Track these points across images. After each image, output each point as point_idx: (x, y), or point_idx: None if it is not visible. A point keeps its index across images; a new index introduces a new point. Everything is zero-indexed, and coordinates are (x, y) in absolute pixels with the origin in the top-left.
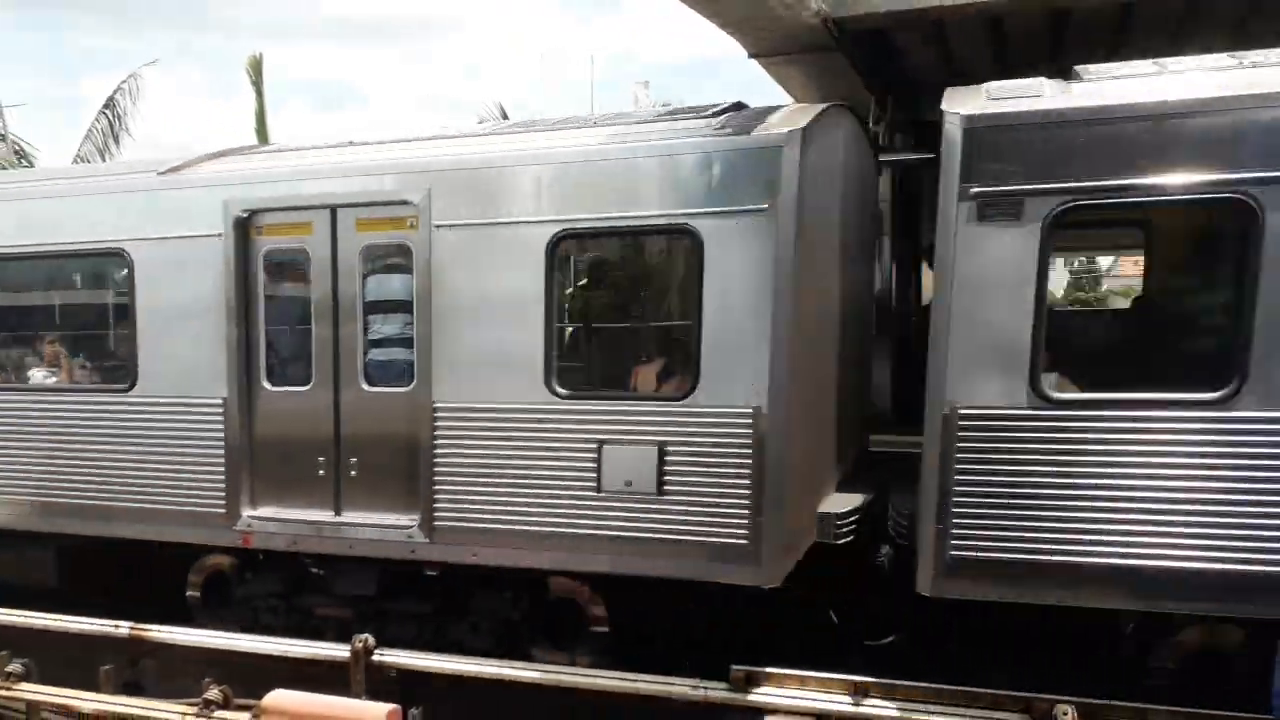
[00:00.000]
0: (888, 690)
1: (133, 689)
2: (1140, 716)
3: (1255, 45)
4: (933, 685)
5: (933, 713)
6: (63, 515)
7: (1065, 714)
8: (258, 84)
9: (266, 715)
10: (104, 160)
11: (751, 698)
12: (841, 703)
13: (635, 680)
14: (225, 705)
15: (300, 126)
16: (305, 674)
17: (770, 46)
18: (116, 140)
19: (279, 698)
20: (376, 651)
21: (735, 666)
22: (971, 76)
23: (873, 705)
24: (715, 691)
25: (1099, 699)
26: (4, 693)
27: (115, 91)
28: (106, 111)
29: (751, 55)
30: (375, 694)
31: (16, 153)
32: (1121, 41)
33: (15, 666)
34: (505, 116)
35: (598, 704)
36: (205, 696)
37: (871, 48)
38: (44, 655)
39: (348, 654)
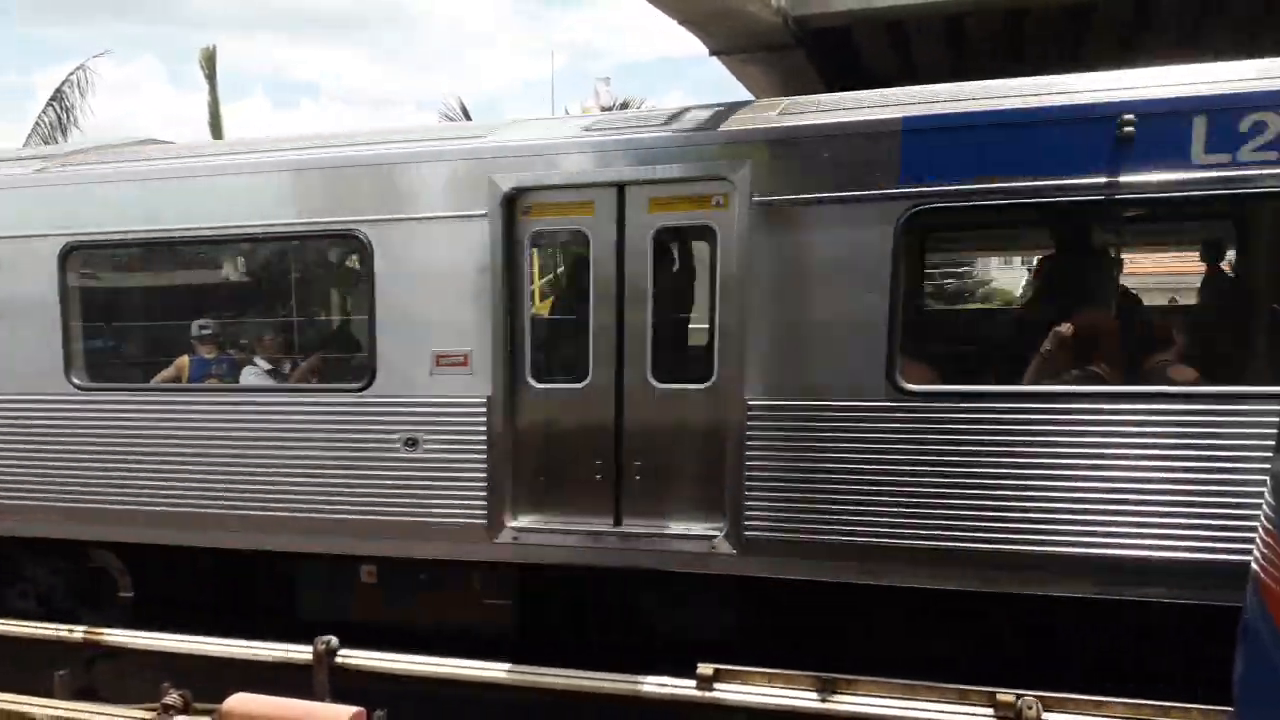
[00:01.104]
0: (855, 685)
1: (88, 695)
2: (1098, 708)
3: (1209, 50)
4: (899, 680)
5: (900, 707)
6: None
7: (1030, 707)
8: (211, 76)
9: (228, 719)
10: None
11: (718, 695)
12: (809, 699)
13: (602, 679)
14: (185, 710)
15: (260, 121)
16: (264, 676)
17: (730, 44)
18: (64, 133)
19: (240, 701)
20: (340, 653)
21: (702, 664)
22: (932, 76)
23: (840, 701)
24: (682, 690)
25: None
26: None
27: (63, 83)
28: (54, 104)
29: (713, 53)
30: (339, 695)
31: None
32: (1080, 41)
33: None
34: (466, 114)
35: (563, 703)
36: (164, 701)
37: (832, 46)
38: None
39: (310, 656)
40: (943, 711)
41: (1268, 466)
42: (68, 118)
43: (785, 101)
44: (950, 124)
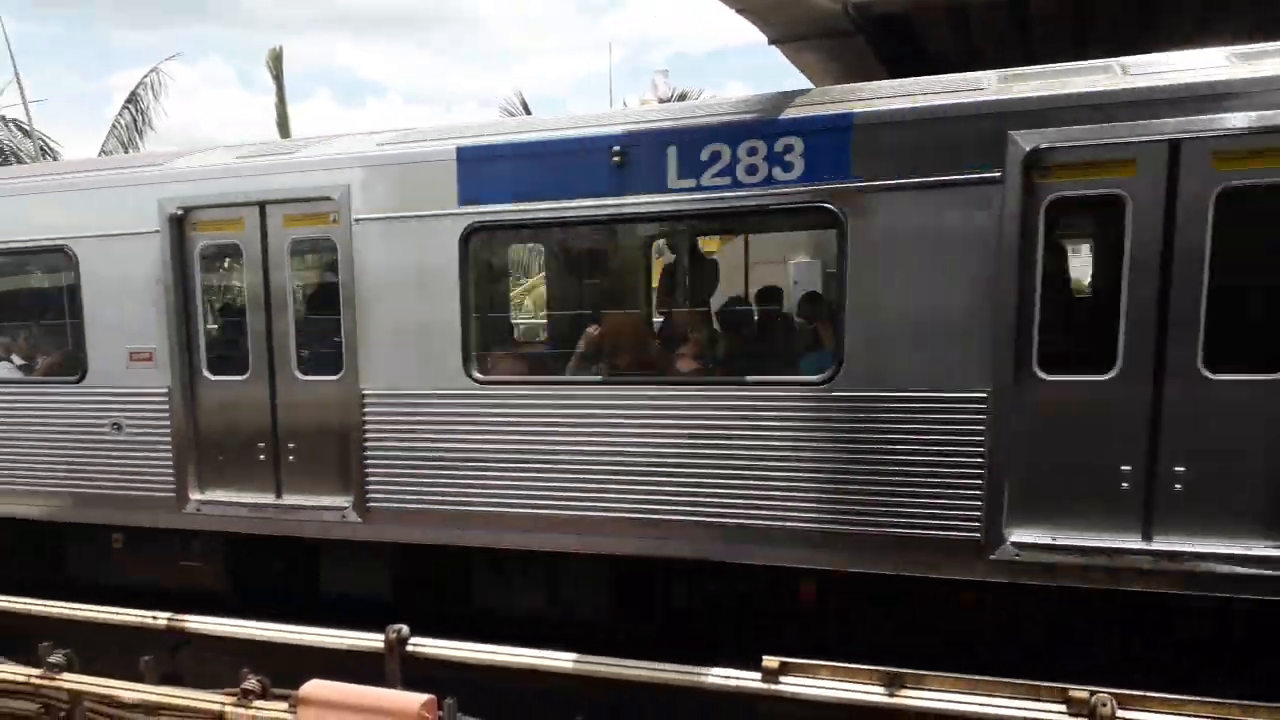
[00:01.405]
0: (923, 680)
1: (172, 679)
2: (1178, 708)
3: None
4: (968, 676)
5: (968, 704)
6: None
7: (1105, 704)
8: (278, 76)
9: (304, 705)
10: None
11: (783, 688)
12: (875, 693)
13: (665, 670)
14: (263, 695)
15: (325, 119)
16: (339, 664)
17: (789, 32)
18: (140, 134)
19: (316, 688)
20: (411, 641)
21: (767, 656)
22: (996, 60)
23: (907, 695)
24: (747, 682)
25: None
26: (47, 683)
27: (138, 86)
28: (130, 106)
29: (772, 42)
30: (410, 684)
31: (41, 149)
32: (1147, 25)
33: (57, 657)
34: (527, 109)
35: (629, 693)
36: (243, 686)
37: (892, 32)
38: (86, 646)
39: (382, 644)
40: (1013, 707)
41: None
42: (142, 120)
43: (384, 134)
44: (488, 154)
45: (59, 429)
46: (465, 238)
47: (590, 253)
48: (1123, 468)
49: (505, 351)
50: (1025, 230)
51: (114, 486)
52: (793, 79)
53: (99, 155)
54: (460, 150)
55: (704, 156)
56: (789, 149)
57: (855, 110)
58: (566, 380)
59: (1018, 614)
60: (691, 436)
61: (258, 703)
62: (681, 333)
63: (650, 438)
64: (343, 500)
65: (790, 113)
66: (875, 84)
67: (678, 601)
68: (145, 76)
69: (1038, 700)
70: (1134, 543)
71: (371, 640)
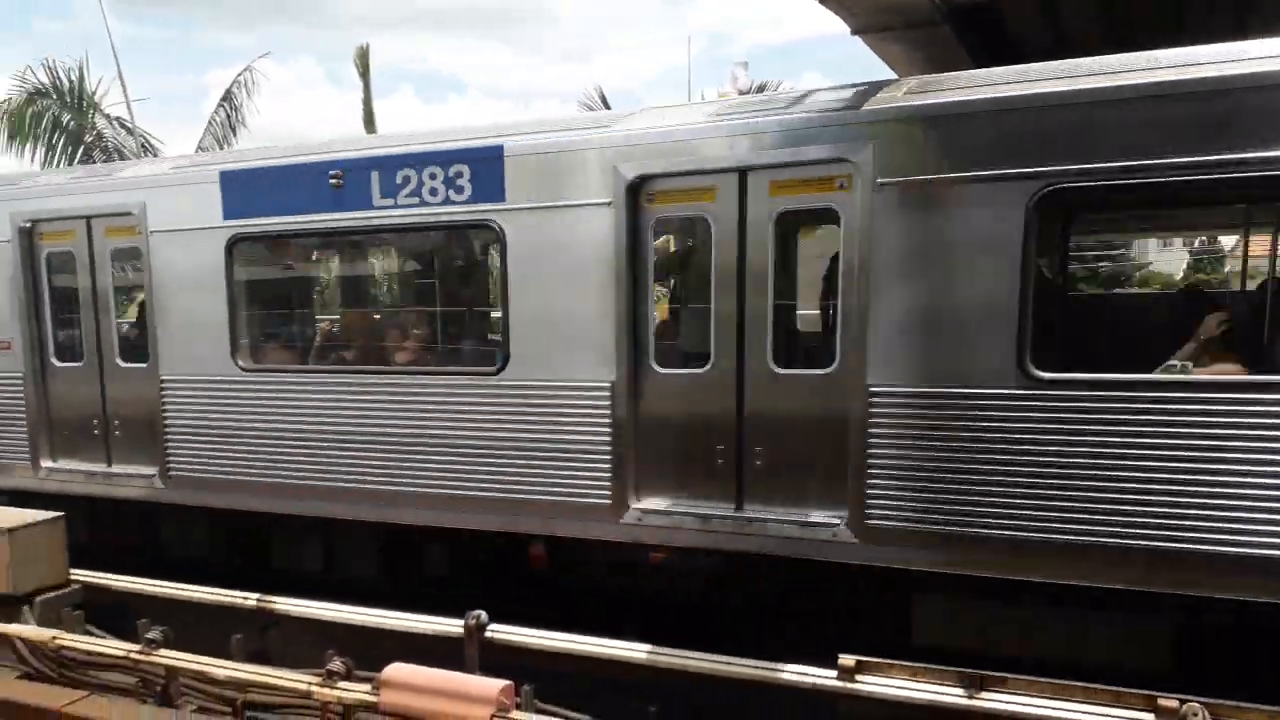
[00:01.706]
0: (1004, 683)
1: (261, 658)
2: (1273, 719)
3: None
4: (1050, 680)
5: (1050, 707)
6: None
7: (1195, 714)
8: (365, 74)
9: (386, 687)
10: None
11: (860, 687)
12: (954, 695)
13: (742, 665)
14: (347, 676)
15: (408, 115)
16: (418, 647)
17: (872, 22)
18: (234, 131)
19: (397, 671)
20: (489, 628)
21: (843, 655)
22: (1084, 48)
23: (987, 698)
24: (823, 679)
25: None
26: (145, 658)
27: (232, 84)
28: (224, 104)
29: (854, 32)
30: (488, 669)
31: (143, 146)
32: (1246, 8)
33: (154, 634)
34: (606, 103)
35: (704, 685)
36: (328, 667)
37: (979, 21)
38: (180, 624)
39: (461, 629)
40: (1097, 714)
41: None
42: (236, 117)
43: (176, 160)
44: (243, 177)
45: None
46: (229, 246)
47: (322, 259)
48: (718, 447)
49: (265, 344)
50: (635, 246)
51: None
52: (877, 70)
53: (196, 151)
54: (222, 174)
55: (398, 180)
56: (460, 174)
57: (506, 143)
58: (310, 369)
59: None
60: (398, 418)
61: (342, 683)
62: (393, 329)
63: (369, 419)
64: (150, 469)
65: (461, 144)
66: (530, 119)
67: (434, 568)
68: (239, 75)
69: (1123, 707)
70: (729, 510)
71: (451, 626)
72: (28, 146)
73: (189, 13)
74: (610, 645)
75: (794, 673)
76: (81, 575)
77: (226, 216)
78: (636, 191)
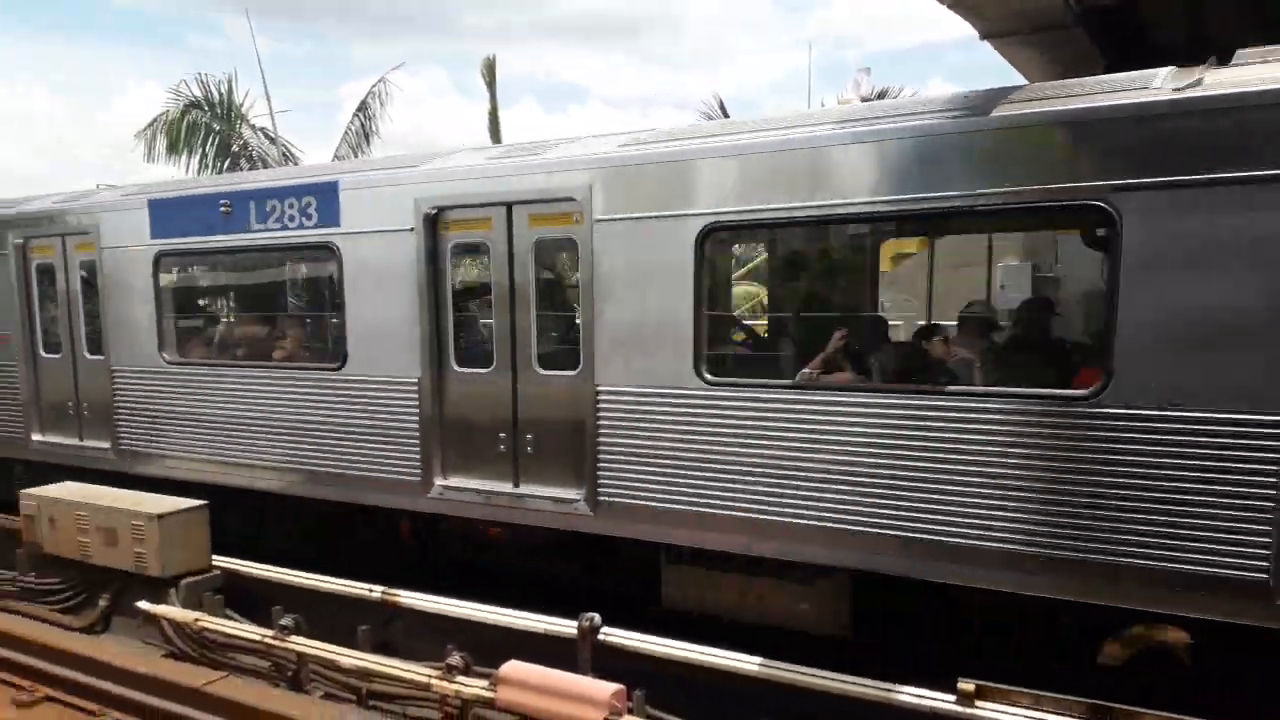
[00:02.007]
0: (1135, 716)
1: (385, 649)
2: None
3: None
4: (1181, 717)
5: None
6: None
7: None
8: (491, 84)
9: (502, 684)
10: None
11: (979, 712)
12: None
13: (858, 684)
14: (466, 671)
15: (531, 124)
16: (533, 647)
17: (1003, 27)
18: (368, 140)
19: (514, 668)
20: (602, 630)
21: (962, 679)
22: (1229, 51)
23: None
24: (941, 704)
25: None
26: (278, 644)
27: (367, 95)
28: (359, 114)
29: (984, 37)
30: (601, 671)
31: (284, 154)
32: None
33: (287, 621)
34: (724, 111)
35: (816, 701)
36: (448, 661)
37: (1114, 23)
38: (308, 612)
39: (574, 631)
40: None
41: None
42: (370, 126)
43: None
44: (165, 204)
45: None
46: (155, 260)
47: (219, 272)
48: (500, 434)
49: (184, 341)
50: (436, 268)
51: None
52: (1008, 75)
53: (333, 160)
54: (150, 201)
55: (267, 209)
56: (309, 204)
57: (342, 179)
58: (210, 362)
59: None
60: (271, 405)
61: (460, 678)
62: (267, 330)
63: (252, 405)
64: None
65: (310, 180)
66: (362, 161)
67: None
68: (373, 86)
69: None
70: (508, 488)
71: (565, 627)
72: (183, 156)
73: (327, 30)
74: (723, 656)
75: (912, 695)
76: (222, 562)
77: (153, 236)
78: (434, 220)
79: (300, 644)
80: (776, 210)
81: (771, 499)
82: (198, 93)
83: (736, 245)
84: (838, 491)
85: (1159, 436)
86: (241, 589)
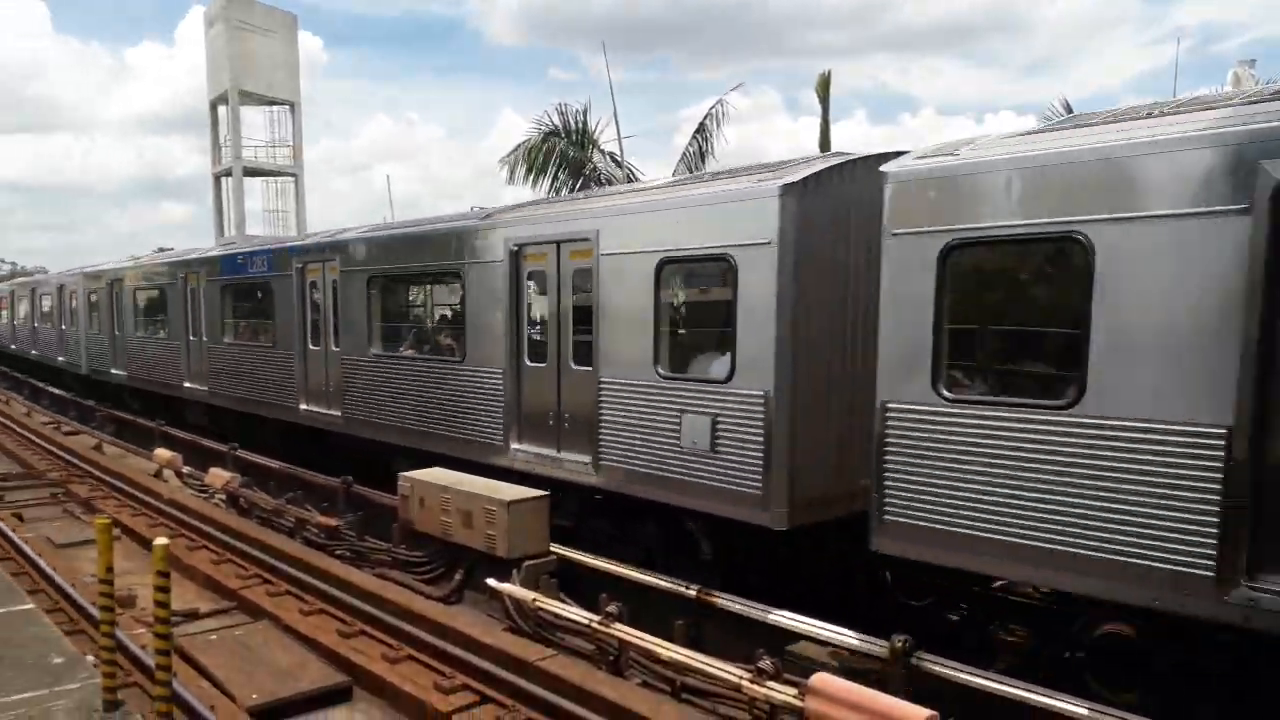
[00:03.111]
0: None
1: (697, 645)
2: None
3: None
4: None
5: None
6: None
7: None
8: (824, 99)
9: (812, 695)
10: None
11: None
12: None
13: None
14: (775, 677)
15: (859, 137)
16: (843, 662)
17: None
18: (703, 160)
19: (825, 681)
20: (916, 654)
21: None
22: None
23: None
24: None
25: None
26: (603, 629)
27: (705, 117)
28: (698, 136)
29: None
30: (912, 695)
31: (628, 176)
32: None
33: (613, 608)
34: (1070, 113)
35: None
36: (759, 665)
37: None
38: (630, 603)
39: (886, 650)
40: None
41: None
42: (706, 146)
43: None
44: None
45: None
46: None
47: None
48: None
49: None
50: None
51: None
52: None
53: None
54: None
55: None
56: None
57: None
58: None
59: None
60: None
61: (770, 683)
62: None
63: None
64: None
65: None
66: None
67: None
68: (711, 107)
69: None
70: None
71: (876, 646)
72: (540, 179)
73: (670, 58)
74: (1045, 695)
75: None
76: (558, 549)
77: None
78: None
79: (623, 632)
80: None
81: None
82: (557, 122)
83: None
84: None
85: None
86: (570, 574)
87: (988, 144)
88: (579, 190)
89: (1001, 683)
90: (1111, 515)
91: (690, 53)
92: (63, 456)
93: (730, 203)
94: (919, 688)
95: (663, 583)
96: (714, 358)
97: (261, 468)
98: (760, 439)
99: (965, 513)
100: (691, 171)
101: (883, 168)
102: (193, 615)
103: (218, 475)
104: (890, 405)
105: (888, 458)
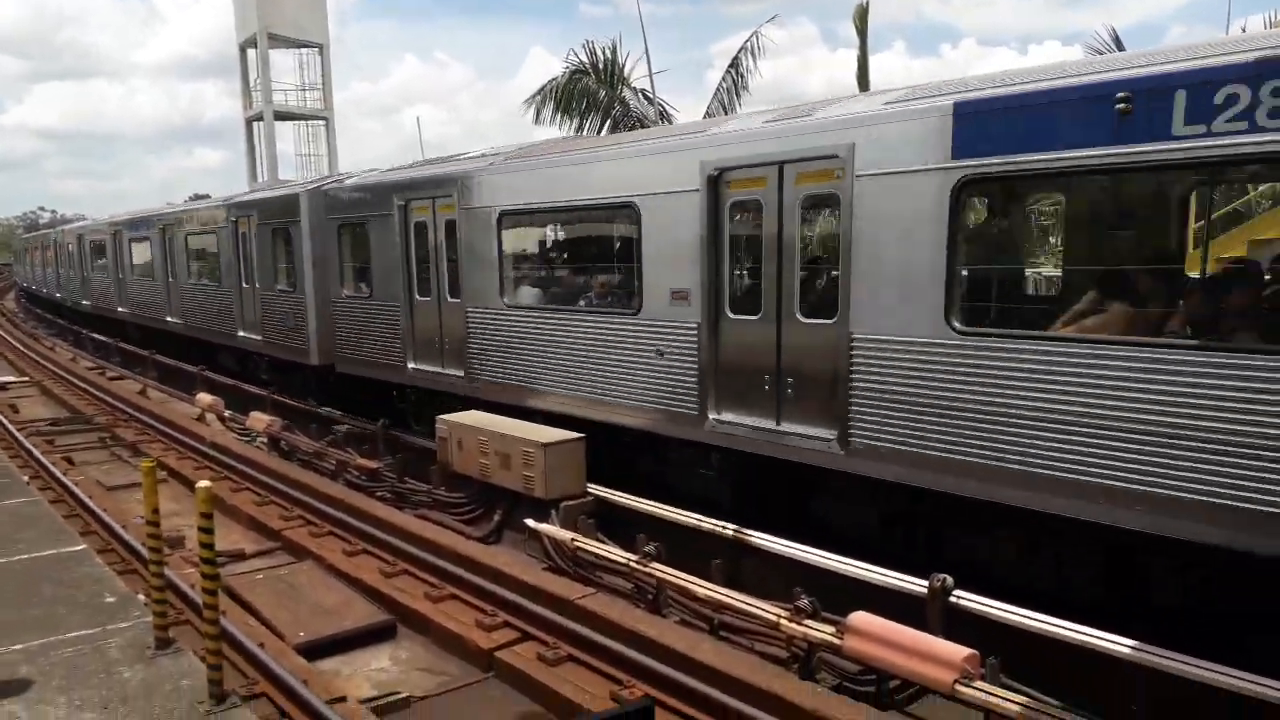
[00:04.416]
0: None
1: (734, 583)
2: None
3: None
4: None
5: None
6: None
7: None
8: (862, 31)
9: (850, 633)
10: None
11: None
12: None
13: (1255, 682)
14: (814, 615)
15: (897, 70)
16: (879, 600)
17: None
18: (738, 96)
19: (863, 619)
20: (954, 593)
21: None
22: None
23: None
24: None
25: None
26: (641, 568)
27: (739, 51)
28: (731, 71)
29: None
30: (950, 633)
31: (660, 114)
32: None
33: (650, 548)
34: (1119, 44)
35: (1197, 691)
36: (796, 604)
37: None
38: (666, 542)
39: (925, 589)
40: None
41: None
42: (740, 82)
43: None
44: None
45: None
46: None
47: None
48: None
49: None
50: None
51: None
52: None
53: (704, 117)
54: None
55: None
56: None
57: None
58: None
59: None
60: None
61: (808, 621)
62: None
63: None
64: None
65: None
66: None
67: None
68: (745, 41)
69: None
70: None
71: (915, 584)
72: (568, 119)
73: None
74: (1086, 633)
75: None
76: (595, 489)
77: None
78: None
79: (661, 571)
80: None
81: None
82: (585, 60)
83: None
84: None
85: None
86: (607, 515)
87: None
88: (604, 131)
89: (1041, 621)
90: None
91: None
92: (108, 401)
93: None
94: (958, 627)
95: (700, 522)
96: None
97: (301, 410)
98: None
99: None
100: (725, 109)
101: None
102: (239, 556)
103: (258, 419)
104: None
105: None
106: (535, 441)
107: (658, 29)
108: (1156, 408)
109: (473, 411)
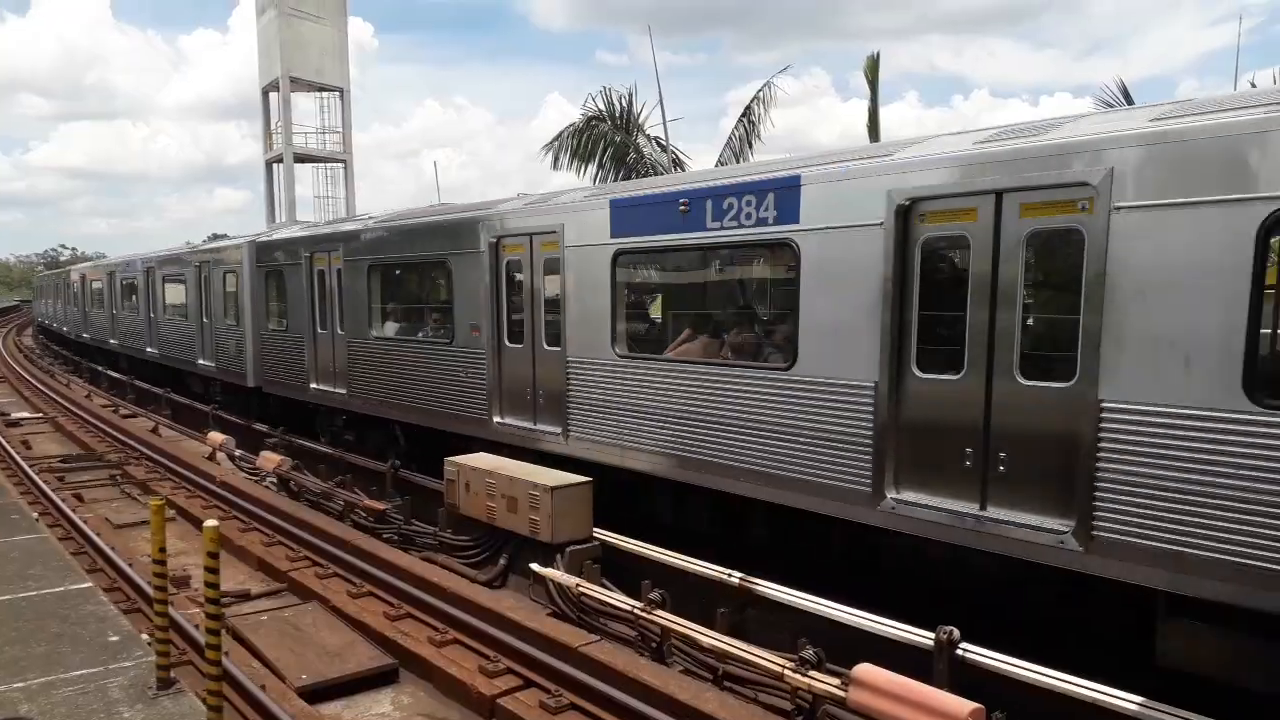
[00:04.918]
0: None
1: (738, 632)
2: None
3: None
4: None
5: None
6: None
7: None
8: (873, 82)
9: (855, 685)
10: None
11: None
12: None
13: None
14: (818, 666)
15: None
16: (885, 652)
17: None
18: (750, 145)
19: (869, 671)
20: (961, 645)
21: None
22: None
23: None
24: None
25: None
26: (645, 615)
27: (752, 100)
28: (743, 120)
29: None
30: (957, 687)
31: (674, 162)
32: None
33: (655, 595)
34: (1128, 97)
35: None
36: (801, 654)
37: None
38: (673, 589)
39: (931, 642)
40: None
41: None
42: (752, 130)
43: None
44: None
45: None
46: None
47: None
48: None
49: None
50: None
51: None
52: None
53: (716, 165)
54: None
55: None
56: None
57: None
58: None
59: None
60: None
61: (813, 672)
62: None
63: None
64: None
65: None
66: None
67: None
68: (758, 91)
69: None
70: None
71: (921, 637)
72: (586, 165)
73: (721, 39)
74: (1092, 688)
75: None
76: (601, 534)
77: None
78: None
79: (665, 618)
80: None
81: None
82: (601, 107)
83: None
84: None
85: None
86: (613, 560)
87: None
88: (624, 177)
89: (1048, 675)
90: None
91: (741, 34)
92: (120, 438)
93: None
94: (964, 680)
95: (705, 569)
96: None
97: (310, 451)
98: None
99: None
100: (737, 157)
101: None
102: (245, 596)
103: (269, 458)
104: None
105: None
106: (542, 485)
107: (674, 78)
108: None
109: (481, 454)
